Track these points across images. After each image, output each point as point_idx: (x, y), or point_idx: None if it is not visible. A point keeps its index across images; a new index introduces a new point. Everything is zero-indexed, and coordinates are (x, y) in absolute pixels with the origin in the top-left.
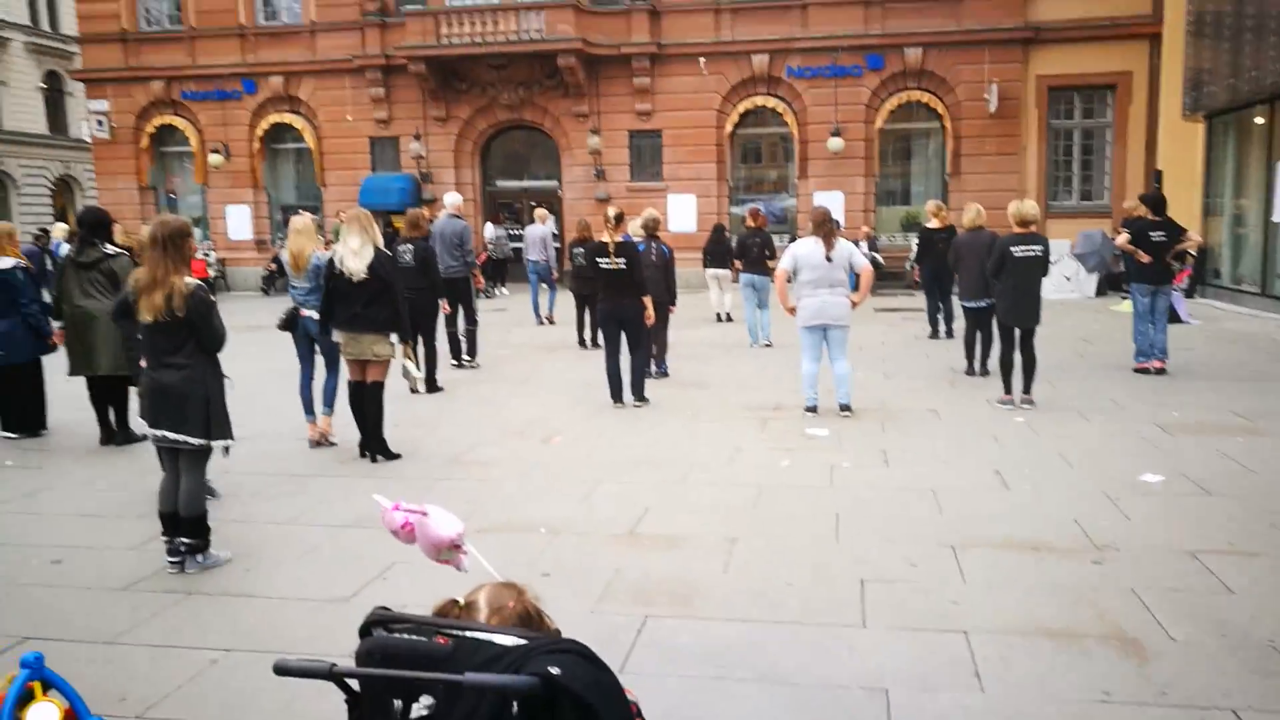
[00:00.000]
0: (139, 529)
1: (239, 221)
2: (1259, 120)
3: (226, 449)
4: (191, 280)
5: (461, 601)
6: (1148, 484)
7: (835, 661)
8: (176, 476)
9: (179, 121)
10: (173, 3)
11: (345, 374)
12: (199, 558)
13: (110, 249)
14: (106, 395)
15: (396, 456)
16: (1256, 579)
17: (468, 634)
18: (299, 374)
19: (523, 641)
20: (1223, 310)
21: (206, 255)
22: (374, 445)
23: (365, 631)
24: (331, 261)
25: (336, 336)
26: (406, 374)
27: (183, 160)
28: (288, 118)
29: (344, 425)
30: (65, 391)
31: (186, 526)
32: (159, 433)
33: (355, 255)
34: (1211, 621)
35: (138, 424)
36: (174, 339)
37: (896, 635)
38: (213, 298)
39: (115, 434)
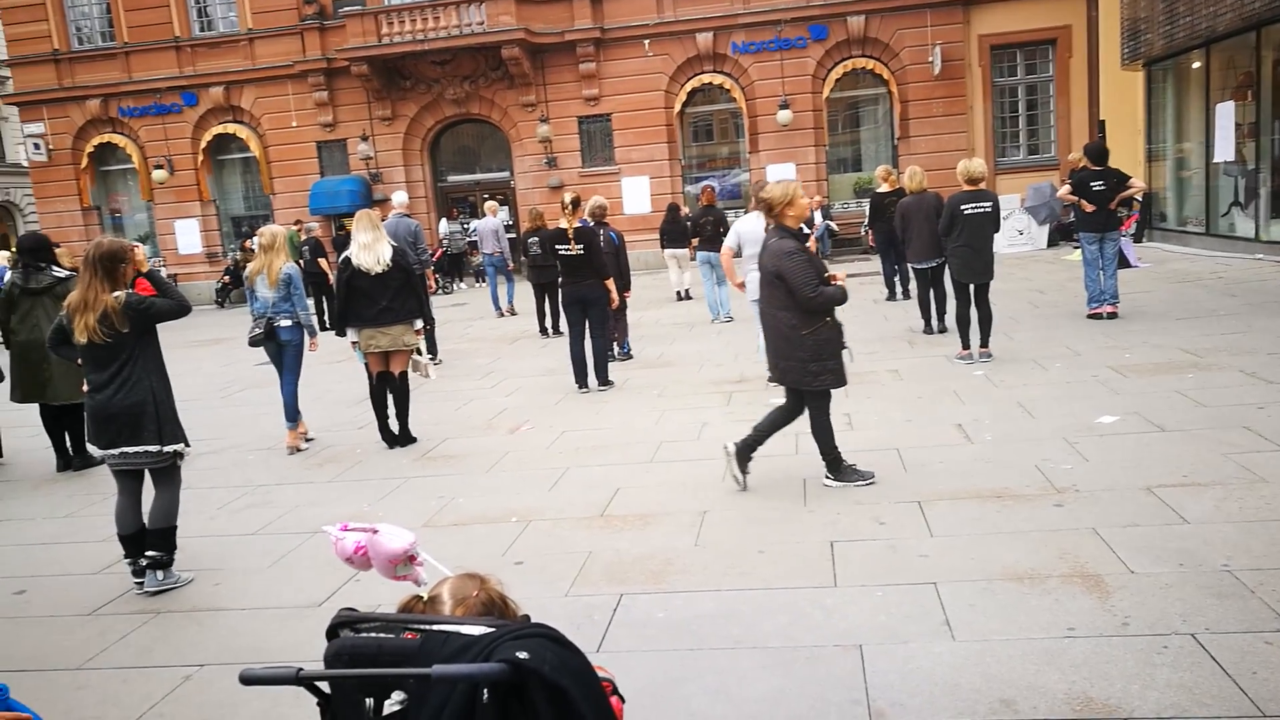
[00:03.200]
0: (102, 553)
1: (188, 235)
2: (1195, 65)
3: (180, 454)
4: (119, 293)
5: (425, 596)
6: (1104, 425)
7: (809, 622)
8: (133, 498)
9: (119, 139)
10: (104, 19)
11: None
12: (159, 574)
13: (61, 272)
14: (61, 421)
15: (414, 440)
16: (1210, 508)
17: (435, 627)
18: (280, 383)
19: (490, 630)
20: (1170, 252)
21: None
22: (404, 433)
23: (332, 633)
24: (347, 260)
25: (354, 335)
26: (417, 366)
27: (125, 178)
28: (231, 128)
29: (311, 431)
30: (19, 419)
31: (153, 538)
32: (115, 451)
33: (368, 250)
34: (1169, 552)
35: (93, 448)
36: (117, 356)
37: (867, 592)
38: (139, 295)
39: (72, 459)
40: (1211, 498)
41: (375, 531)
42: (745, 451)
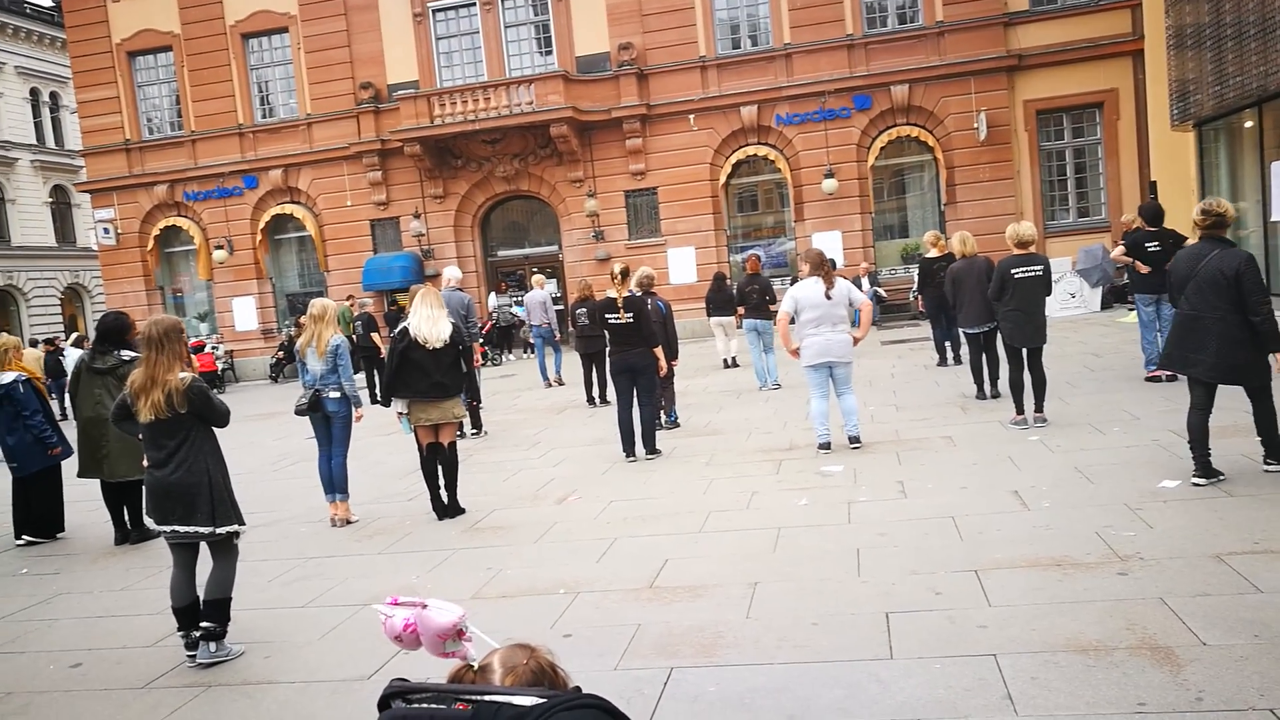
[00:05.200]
0: (157, 626)
1: (245, 313)
2: (1248, 124)
3: (236, 534)
4: (185, 375)
5: (475, 666)
6: (1168, 490)
7: (865, 696)
8: (188, 571)
9: (183, 221)
10: (174, 110)
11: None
12: (211, 646)
13: (128, 355)
14: (120, 495)
15: (463, 511)
16: None
17: (486, 698)
18: (319, 456)
19: (541, 700)
20: None
21: (214, 349)
22: (453, 504)
23: (384, 704)
24: (405, 331)
25: (400, 406)
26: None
27: (188, 258)
28: (288, 208)
29: (361, 503)
30: (81, 493)
31: (208, 609)
32: (169, 528)
33: (432, 323)
34: (1243, 623)
35: (150, 521)
36: (175, 435)
37: (925, 665)
38: (203, 383)
39: (130, 533)
40: None
41: (424, 606)
42: (1206, 463)
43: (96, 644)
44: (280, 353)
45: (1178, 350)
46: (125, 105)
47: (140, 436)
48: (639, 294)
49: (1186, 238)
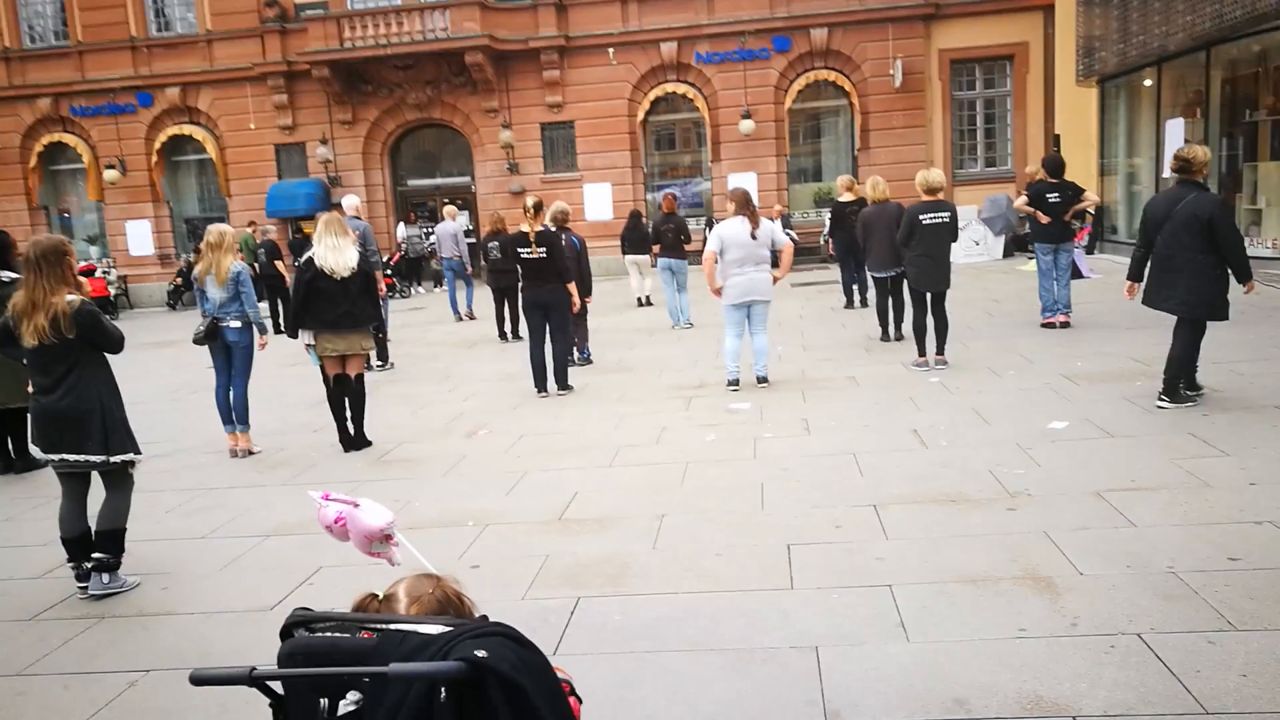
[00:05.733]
0: (43, 557)
1: (140, 237)
2: (1147, 82)
3: (131, 463)
4: (73, 297)
5: (380, 595)
6: (1056, 431)
7: (766, 625)
8: (78, 501)
9: (69, 138)
10: (59, 18)
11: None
12: (104, 578)
13: (8, 276)
14: (3, 424)
15: (370, 443)
16: (1158, 511)
17: (391, 626)
18: (215, 385)
19: (447, 629)
20: (1121, 263)
21: (106, 273)
22: (359, 436)
23: (286, 633)
24: (310, 261)
25: (307, 338)
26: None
27: (75, 177)
28: (187, 129)
29: (264, 434)
30: None
31: (101, 539)
32: (58, 456)
33: (338, 252)
34: (1118, 554)
35: (36, 450)
36: (63, 360)
37: (824, 595)
38: (94, 306)
39: (14, 463)
40: (1158, 502)
41: (357, 505)
42: (1174, 390)
43: None
44: (179, 279)
45: (1153, 288)
46: (3, 10)
47: (25, 361)
48: (553, 229)
49: (1085, 190)
